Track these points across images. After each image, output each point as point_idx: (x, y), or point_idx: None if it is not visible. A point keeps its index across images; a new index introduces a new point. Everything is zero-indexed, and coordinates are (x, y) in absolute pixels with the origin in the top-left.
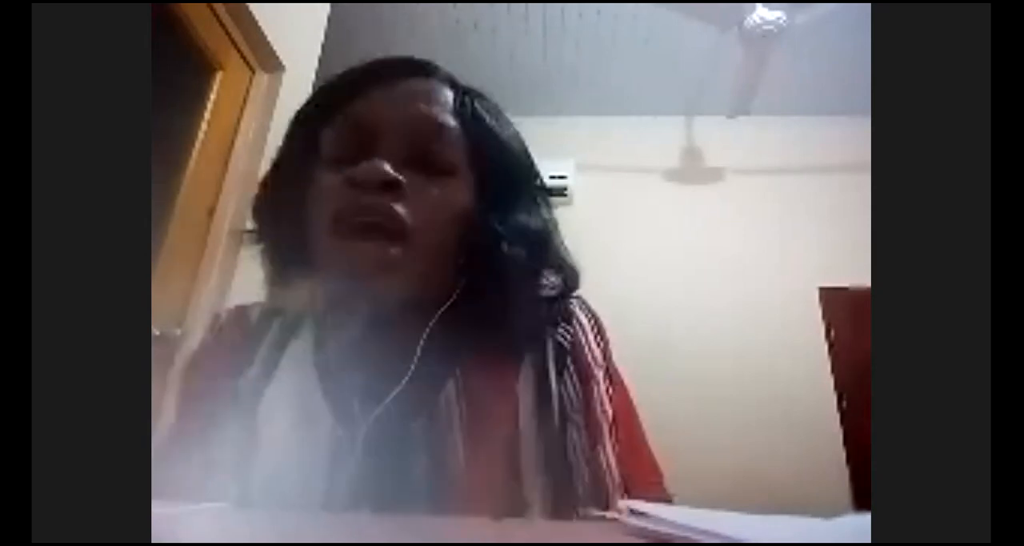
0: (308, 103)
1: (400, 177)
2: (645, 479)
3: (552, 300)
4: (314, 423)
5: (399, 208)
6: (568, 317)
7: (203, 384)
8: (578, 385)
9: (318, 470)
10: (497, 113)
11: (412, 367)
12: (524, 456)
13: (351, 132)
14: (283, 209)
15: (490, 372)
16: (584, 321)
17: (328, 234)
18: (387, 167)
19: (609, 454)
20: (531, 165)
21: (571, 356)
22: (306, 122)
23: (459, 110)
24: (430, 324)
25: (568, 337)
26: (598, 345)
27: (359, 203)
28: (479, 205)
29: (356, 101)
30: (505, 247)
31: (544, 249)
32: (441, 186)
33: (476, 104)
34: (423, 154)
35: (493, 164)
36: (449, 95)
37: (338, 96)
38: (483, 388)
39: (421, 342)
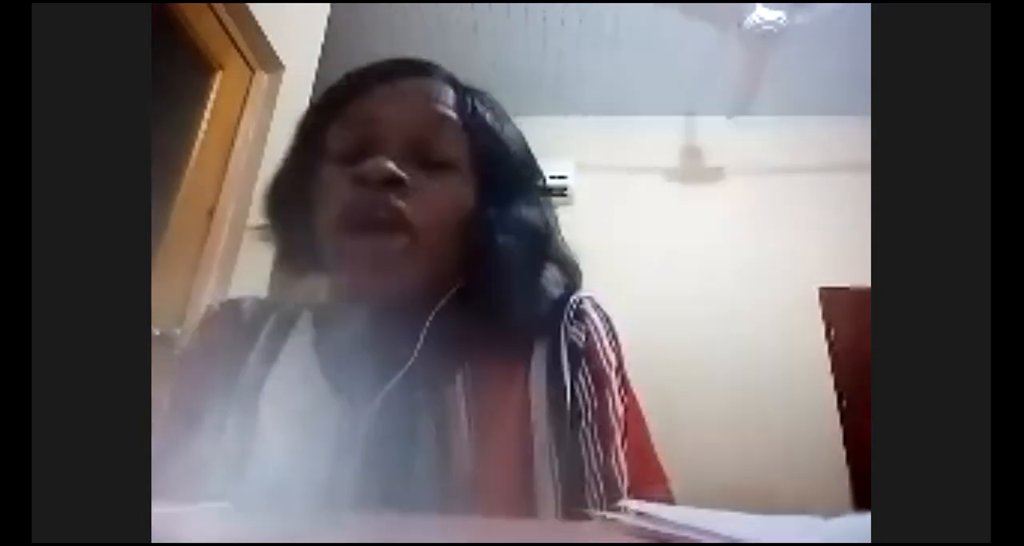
0: (314, 103)
1: (403, 174)
2: (651, 485)
3: (559, 296)
4: (317, 414)
5: (403, 204)
6: (581, 316)
7: (198, 377)
8: (593, 387)
9: (321, 461)
10: (498, 111)
11: (415, 353)
12: (536, 454)
13: (355, 130)
14: (292, 206)
15: (500, 368)
16: (598, 322)
17: (335, 230)
18: (390, 164)
19: (620, 458)
20: (532, 163)
21: (585, 357)
22: (312, 121)
23: (460, 108)
24: (431, 315)
25: (582, 337)
26: (612, 348)
27: (364, 200)
28: (479, 200)
29: (359, 100)
30: (501, 240)
31: (543, 243)
32: (443, 181)
33: (477, 102)
34: (426, 150)
35: (493, 160)
36: (450, 93)
37: (342, 95)
38: (492, 383)
39: (423, 332)
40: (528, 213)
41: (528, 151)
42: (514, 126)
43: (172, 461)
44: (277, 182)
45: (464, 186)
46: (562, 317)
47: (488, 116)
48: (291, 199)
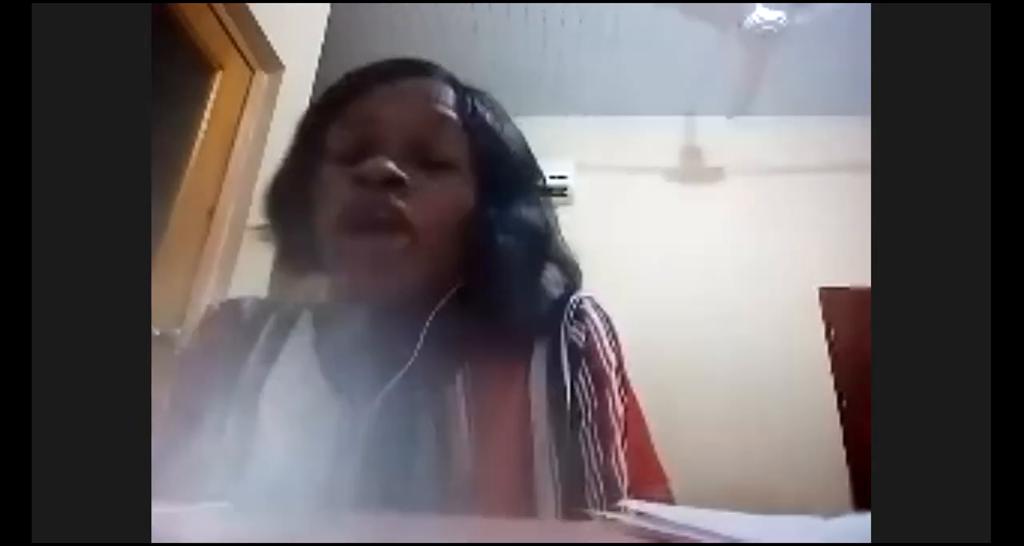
0: (314, 103)
1: (403, 174)
2: (651, 485)
3: (559, 296)
4: (317, 414)
5: (403, 204)
6: (581, 316)
7: (198, 377)
8: (593, 387)
9: (321, 461)
10: (498, 111)
11: (415, 353)
12: (536, 454)
13: (355, 130)
14: (292, 206)
15: (500, 368)
16: (598, 322)
17: (335, 230)
18: (390, 164)
19: (620, 458)
20: (532, 163)
21: (585, 357)
22: (312, 121)
23: (460, 108)
24: (431, 315)
25: (582, 337)
26: (612, 347)
27: (364, 200)
28: (479, 200)
29: (359, 100)
30: (501, 240)
31: (543, 242)
32: (443, 181)
33: (476, 102)
34: (425, 150)
35: (493, 160)
36: (450, 93)
37: (342, 95)
38: (493, 383)
39: (424, 331)
40: (528, 213)
41: (528, 151)
42: (514, 126)
43: (172, 461)
44: (277, 182)
45: (464, 186)
46: (562, 317)
47: (488, 116)
48: (291, 199)
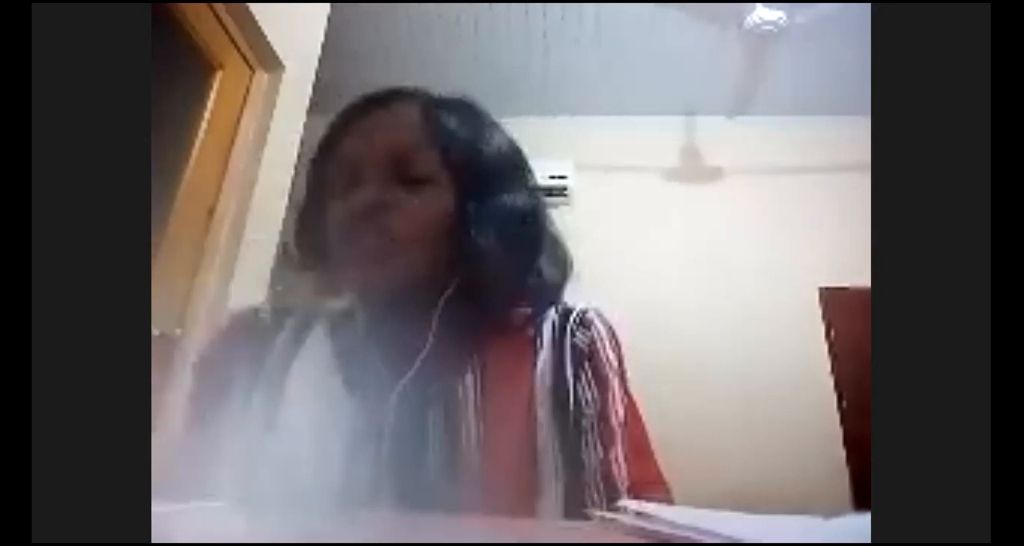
0: (319, 140)
1: (383, 198)
2: (650, 486)
3: (557, 284)
4: (336, 414)
5: (390, 222)
6: (587, 324)
7: (219, 381)
8: (595, 389)
9: (340, 459)
10: (469, 117)
11: (429, 339)
12: (540, 450)
13: (341, 168)
14: (314, 238)
15: (507, 366)
16: (602, 329)
17: (342, 260)
18: (370, 194)
19: (620, 459)
20: (513, 161)
21: (589, 361)
22: (315, 163)
23: (426, 125)
24: (441, 301)
25: (586, 342)
26: (614, 353)
27: (358, 228)
28: (460, 203)
29: (343, 138)
30: (479, 237)
31: (527, 234)
32: (422, 195)
33: (444, 115)
34: (402, 171)
35: (467, 166)
36: (416, 115)
37: (332, 134)
38: (501, 380)
39: (435, 319)
40: (509, 209)
41: (509, 149)
42: (490, 126)
43: (198, 464)
44: (301, 219)
45: (444, 194)
46: (568, 322)
47: (456, 126)
48: (313, 238)
